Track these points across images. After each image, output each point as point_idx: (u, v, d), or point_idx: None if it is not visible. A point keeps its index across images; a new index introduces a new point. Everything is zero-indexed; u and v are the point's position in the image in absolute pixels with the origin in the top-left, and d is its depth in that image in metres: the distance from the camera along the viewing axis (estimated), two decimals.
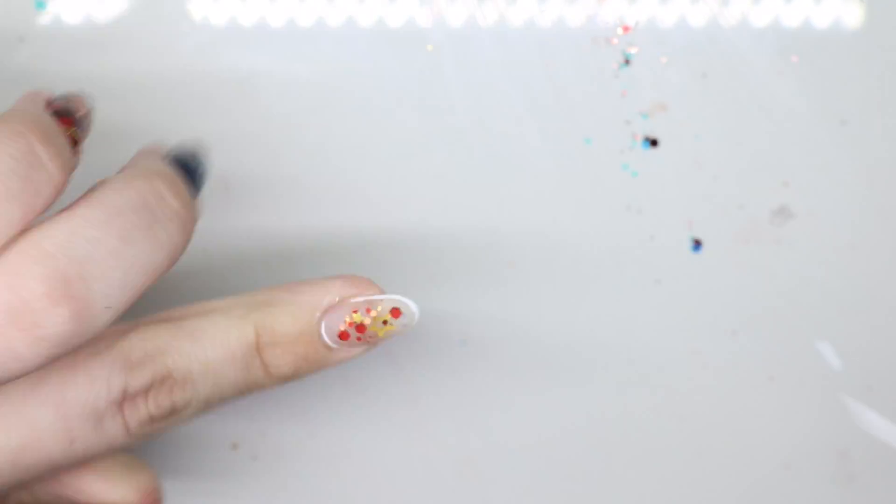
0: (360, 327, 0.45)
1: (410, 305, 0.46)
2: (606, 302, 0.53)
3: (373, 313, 0.45)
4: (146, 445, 0.55)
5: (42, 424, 0.44)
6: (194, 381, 0.45)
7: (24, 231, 0.40)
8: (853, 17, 0.52)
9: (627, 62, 0.51)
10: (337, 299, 0.46)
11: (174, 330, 0.45)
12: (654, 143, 0.52)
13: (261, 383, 0.46)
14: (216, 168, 0.52)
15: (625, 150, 0.52)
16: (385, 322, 0.46)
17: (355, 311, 0.45)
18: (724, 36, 0.52)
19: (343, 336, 0.46)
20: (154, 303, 0.52)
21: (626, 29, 0.51)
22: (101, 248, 0.41)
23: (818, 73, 0.52)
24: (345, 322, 0.46)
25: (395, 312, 0.46)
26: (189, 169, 0.45)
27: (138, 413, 0.45)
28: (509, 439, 0.54)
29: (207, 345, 0.45)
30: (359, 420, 0.54)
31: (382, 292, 0.46)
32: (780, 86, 0.52)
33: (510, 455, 0.55)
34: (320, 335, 0.46)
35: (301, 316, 0.46)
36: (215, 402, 0.46)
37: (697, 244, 0.53)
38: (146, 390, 0.45)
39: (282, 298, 0.46)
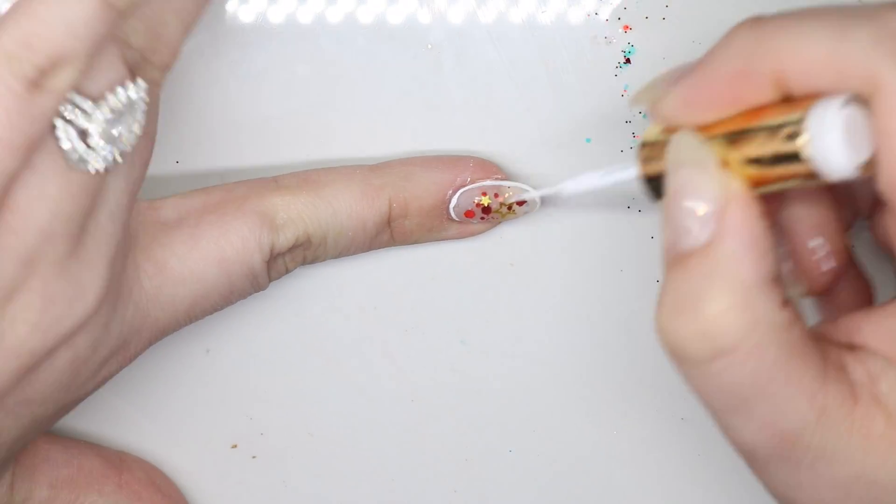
0: (486, 209, 0.50)
1: (535, 197, 0.50)
2: (606, 301, 0.53)
3: (500, 199, 0.50)
4: (147, 444, 0.55)
5: (210, 280, 0.48)
6: (326, 244, 0.50)
7: None
8: None
9: (628, 61, 0.52)
10: (468, 180, 0.50)
11: (313, 198, 0.50)
12: None
13: (384, 244, 0.51)
14: (216, 167, 0.52)
15: (625, 150, 0.52)
16: (509, 207, 0.50)
17: (484, 194, 0.50)
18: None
19: (468, 214, 0.50)
20: None
21: (626, 28, 0.51)
22: None
23: None
24: (473, 203, 0.50)
25: (520, 202, 0.50)
26: None
27: (277, 267, 0.50)
28: (509, 439, 0.54)
29: (343, 216, 0.50)
30: (359, 420, 0.54)
31: (507, 178, 0.50)
32: None
33: (510, 455, 0.54)
34: (448, 211, 0.50)
35: (434, 192, 0.50)
36: (339, 256, 0.51)
37: None
38: (289, 250, 0.49)
39: (416, 173, 0.50)
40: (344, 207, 0.50)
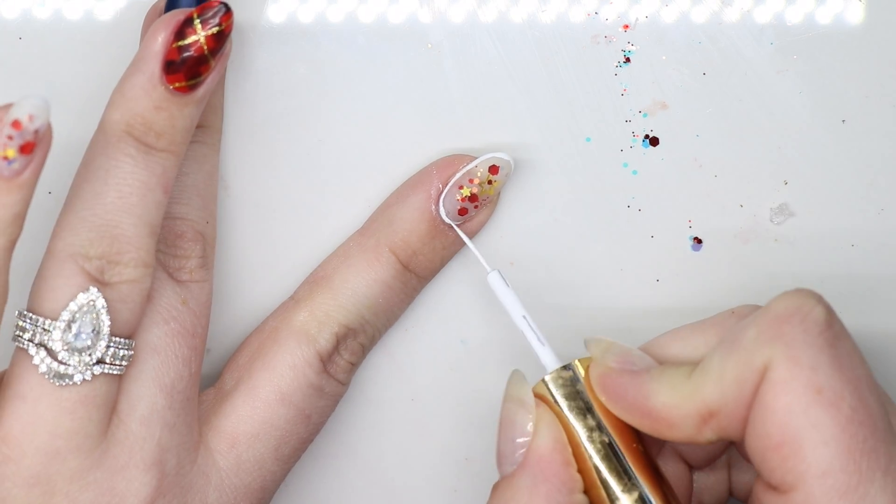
0: (472, 197, 0.50)
1: (502, 157, 0.50)
2: (607, 301, 0.53)
3: (476, 181, 0.50)
4: None
5: (280, 421, 0.49)
6: (369, 321, 0.51)
7: None
8: (853, 15, 0.52)
9: (628, 60, 0.52)
10: (440, 186, 0.50)
11: (328, 290, 0.50)
12: (654, 141, 0.52)
13: (420, 286, 0.52)
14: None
15: (625, 149, 0.52)
16: (490, 182, 0.50)
17: (461, 187, 0.50)
18: (724, 34, 0.52)
19: (462, 212, 0.50)
20: None
21: (625, 27, 0.51)
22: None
23: (818, 72, 0.52)
24: (458, 200, 0.50)
25: (493, 169, 0.50)
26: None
27: (340, 367, 0.50)
28: None
29: (363, 290, 0.50)
30: (359, 420, 0.54)
31: (473, 158, 0.50)
32: (780, 85, 0.52)
33: None
34: (444, 222, 0.51)
35: (420, 216, 0.51)
36: (393, 320, 0.52)
37: (698, 242, 0.53)
38: (337, 348, 0.50)
39: (395, 213, 0.51)
40: (360, 284, 0.51)
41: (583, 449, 0.45)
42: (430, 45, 0.51)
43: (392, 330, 0.53)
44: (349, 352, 0.50)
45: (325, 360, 0.50)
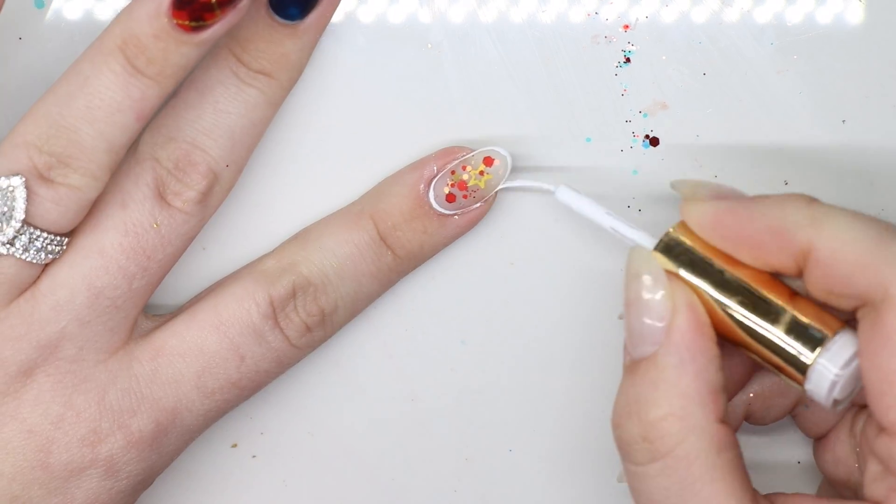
0: (462, 184, 0.50)
1: (500, 151, 0.50)
2: (607, 301, 0.53)
3: (468, 168, 0.50)
4: None
5: (211, 347, 0.48)
6: (332, 283, 0.50)
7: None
8: (853, 15, 0.52)
9: (628, 60, 0.52)
10: (435, 169, 0.50)
11: (301, 242, 0.50)
12: (654, 141, 0.52)
13: (395, 268, 0.51)
14: None
15: (625, 149, 0.52)
16: (482, 173, 0.50)
17: (453, 172, 0.50)
18: (724, 34, 0.52)
19: (450, 199, 0.50)
20: (155, 300, 0.52)
21: (626, 27, 0.51)
22: (202, 123, 0.47)
23: (818, 72, 0.52)
24: (447, 184, 0.50)
25: (488, 161, 0.50)
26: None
27: (293, 323, 0.49)
28: (509, 439, 0.54)
29: (333, 247, 0.50)
30: (359, 419, 0.54)
31: (472, 151, 0.50)
32: (780, 85, 0.52)
33: (510, 455, 0.54)
34: (431, 205, 0.50)
35: (408, 192, 0.50)
36: (362, 299, 0.51)
37: None
38: (291, 298, 0.49)
39: (387, 188, 0.51)
40: (332, 241, 0.50)
41: (715, 304, 0.44)
42: (430, 45, 0.52)
43: (392, 330, 0.53)
44: (306, 311, 0.50)
45: (277, 308, 0.49)
